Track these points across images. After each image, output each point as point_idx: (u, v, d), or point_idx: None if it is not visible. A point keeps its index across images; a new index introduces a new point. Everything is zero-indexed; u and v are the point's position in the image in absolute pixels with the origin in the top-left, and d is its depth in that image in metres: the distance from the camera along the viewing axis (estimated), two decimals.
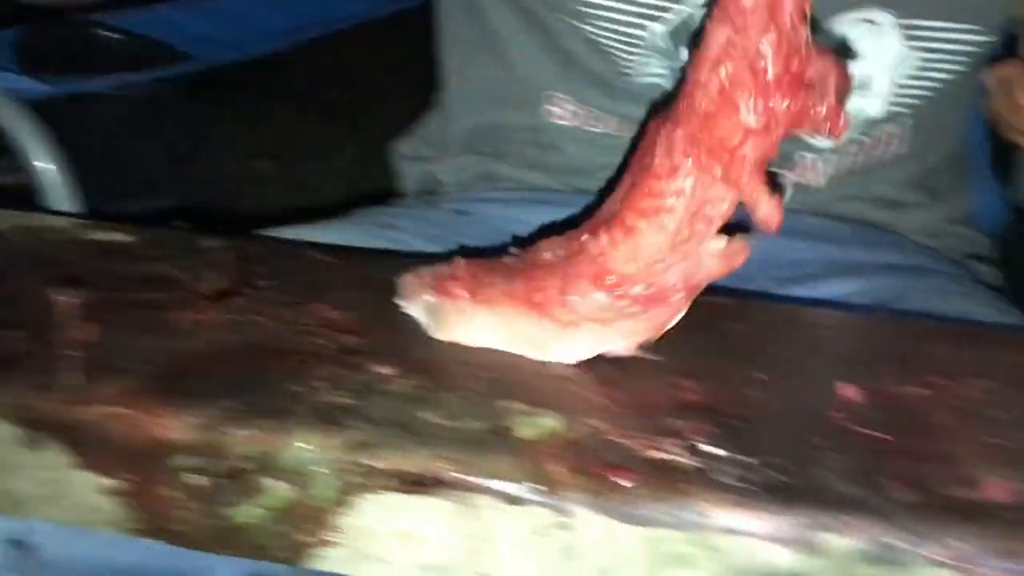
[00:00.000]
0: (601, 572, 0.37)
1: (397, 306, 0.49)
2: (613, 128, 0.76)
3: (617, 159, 0.75)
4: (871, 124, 0.74)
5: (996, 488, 0.36)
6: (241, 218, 0.76)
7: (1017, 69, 0.67)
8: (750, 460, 0.37)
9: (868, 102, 0.75)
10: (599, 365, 0.44)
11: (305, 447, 0.38)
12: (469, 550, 0.38)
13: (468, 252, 0.49)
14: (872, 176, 0.77)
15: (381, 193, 0.91)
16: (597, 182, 0.77)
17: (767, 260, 0.74)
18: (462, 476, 0.37)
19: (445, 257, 0.50)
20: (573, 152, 0.77)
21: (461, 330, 0.46)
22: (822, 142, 0.72)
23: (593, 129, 0.77)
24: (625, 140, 0.74)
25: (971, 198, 0.89)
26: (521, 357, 0.45)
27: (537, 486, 0.37)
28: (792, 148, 0.71)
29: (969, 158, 0.91)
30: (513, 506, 0.37)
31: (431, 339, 0.46)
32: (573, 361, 0.44)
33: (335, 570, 0.40)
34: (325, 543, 0.39)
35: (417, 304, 0.48)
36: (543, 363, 0.44)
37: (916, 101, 0.76)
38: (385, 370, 0.43)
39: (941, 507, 0.35)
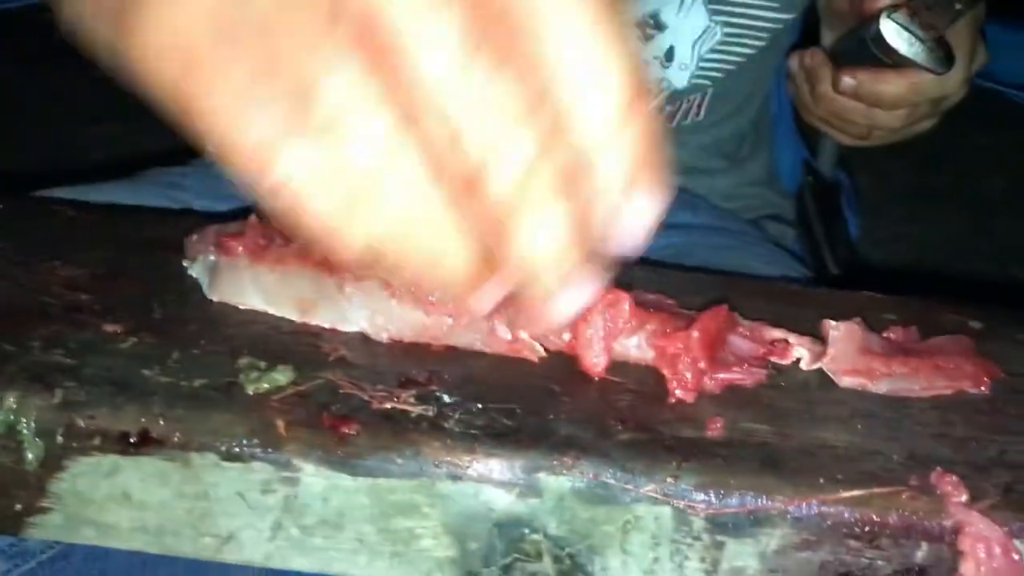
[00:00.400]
0: (328, 525, 0.36)
1: (149, 264, 0.47)
2: None
3: None
4: (675, 95, 0.76)
5: (717, 428, 0.37)
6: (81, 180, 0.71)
7: (819, 59, 0.69)
8: (480, 407, 0.37)
9: (674, 74, 0.77)
10: None
11: (11, 408, 0.36)
12: (192, 511, 0.36)
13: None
14: (671, 142, 0.78)
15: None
16: None
17: None
18: (179, 435, 0.35)
19: (227, 217, 0.48)
20: None
21: (230, 289, 0.44)
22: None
23: None
24: None
25: (770, 162, 0.92)
26: (277, 318, 0.43)
27: (258, 442, 0.35)
28: None
29: (769, 124, 0.94)
30: (234, 463, 0.35)
31: (178, 298, 0.44)
32: (345, 329, 0.43)
33: (53, 537, 0.38)
34: (40, 510, 0.37)
35: (197, 263, 0.46)
36: (294, 322, 0.43)
37: (718, 73, 0.78)
38: (112, 328, 0.41)
39: (662, 446, 0.36)
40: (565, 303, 0.31)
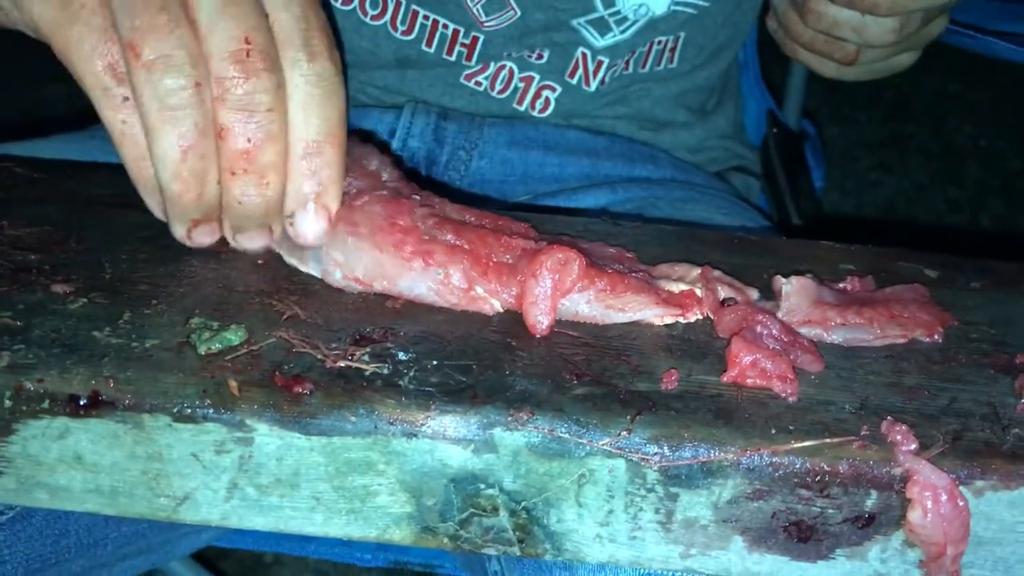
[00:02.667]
0: (284, 485, 0.36)
1: (100, 222, 0.46)
2: (388, 19, 0.73)
3: (390, 54, 0.72)
4: (651, 27, 0.73)
5: (672, 381, 0.37)
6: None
7: None
8: (435, 364, 0.37)
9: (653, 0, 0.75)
10: (303, 279, 0.43)
11: None
12: (146, 473, 0.36)
13: None
14: (640, 93, 0.77)
15: None
16: (370, 82, 0.74)
17: (526, 175, 0.74)
18: (130, 396, 0.35)
19: None
20: (352, 41, 0.73)
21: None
22: (599, 40, 0.72)
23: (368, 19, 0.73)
24: (397, 35, 0.71)
25: (737, 115, 0.92)
26: (231, 277, 0.43)
27: (211, 402, 0.35)
28: (570, 43, 0.71)
29: (737, 76, 0.93)
30: (186, 424, 0.35)
31: (130, 257, 0.44)
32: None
33: (6, 501, 0.38)
34: None
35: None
36: (247, 281, 0.43)
37: (692, 11, 0.76)
38: (62, 288, 0.40)
39: (617, 400, 0.36)
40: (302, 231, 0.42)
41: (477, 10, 0.69)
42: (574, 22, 0.70)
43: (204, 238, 0.42)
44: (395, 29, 0.72)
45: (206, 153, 0.40)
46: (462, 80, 0.73)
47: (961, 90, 2.22)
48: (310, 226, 0.41)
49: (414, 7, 0.70)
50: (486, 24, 0.70)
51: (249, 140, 0.40)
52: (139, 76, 0.39)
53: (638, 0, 0.71)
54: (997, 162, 2.11)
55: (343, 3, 0.72)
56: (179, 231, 0.42)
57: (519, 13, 0.69)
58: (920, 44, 0.66)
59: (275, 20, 0.41)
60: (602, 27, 0.71)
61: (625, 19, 0.71)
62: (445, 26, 0.71)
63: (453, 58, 0.72)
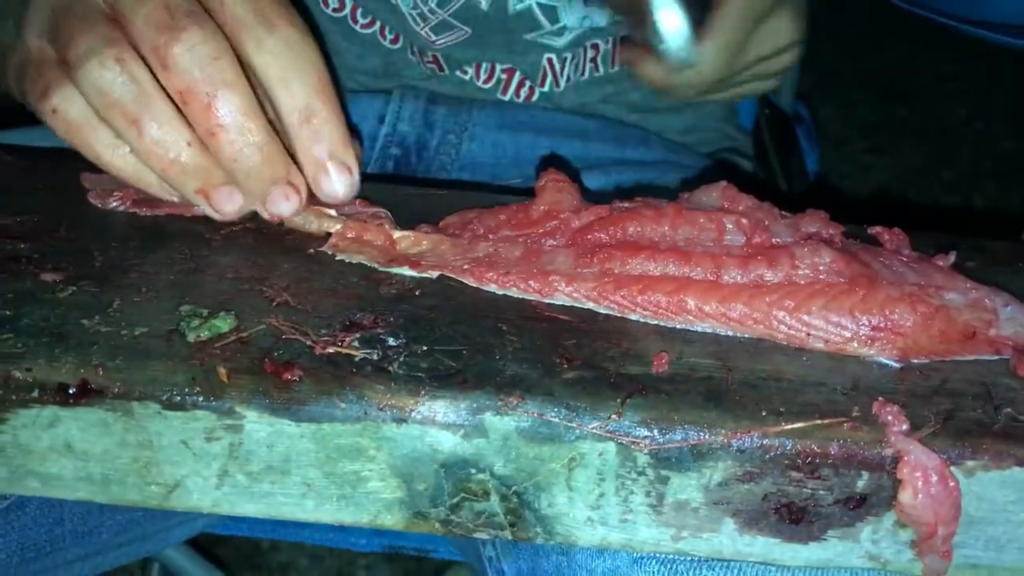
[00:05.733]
0: (274, 471, 0.36)
1: (89, 211, 0.46)
2: (377, 28, 0.73)
3: (378, 62, 0.72)
4: (596, 32, 0.73)
5: (663, 364, 0.37)
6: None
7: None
8: (424, 349, 0.37)
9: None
10: (293, 266, 0.43)
11: None
12: (136, 460, 0.36)
13: None
14: (620, 85, 0.77)
15: None
16: (353, 80, 0.74)
17: (517, 157, 0.74)
18: (119, 385, 0.35)
19: None
20: (340, 46, 0.73)
21: None
22: (556, 41, 0.71)
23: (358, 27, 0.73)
24: (386, 43, 0.72)
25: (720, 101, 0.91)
26: (220, 267, 0.43)
27: (200, 390, 0.35)
28: (531, 50, 0.70)
29: None
30: (176, 412, 0.35)
31: (120, 245, 0.43)
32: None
33: None
34: None
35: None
36: (236, 269, 0.43)
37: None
38: (51, 277, 0.40)
39: (607, 383, 0.36)
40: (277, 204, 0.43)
41: (426, 32, 0.69)
42: (527, 37, 0.70)
43: (226, 206, 0.43)
44: (384, 38, 0.72)
45: (162, 121, 0.41)
46: (447, 74, 0.73)
47: (956, 72, 2.22)
48: (336, 186, 0.42)
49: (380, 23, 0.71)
50: (437, 42, 0.70)
51: (208, 94, 0.40)
52: (77, 77, 0.41)
53: (580, 14, 0.70)
54: (991, 144, 2.11)
55: (334, 10, 0.71)
56: (200, 204, 0.43)
57: (468, 32, 0.69)
58: (768, 75, 0.65)
59: (221, 9, 0.41)
60: (555, 35, 0.71)
61: (572, 29, 0.71)
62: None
63: (435, 65, 0.72)
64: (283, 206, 0.43)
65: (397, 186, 0.54)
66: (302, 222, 0.45)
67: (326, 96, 0.42)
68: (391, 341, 0.38)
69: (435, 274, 0.42)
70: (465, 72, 0.72)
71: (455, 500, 0.36)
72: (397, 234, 0.44)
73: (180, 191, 0.44)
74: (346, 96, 0.73)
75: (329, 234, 0.44)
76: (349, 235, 0.44)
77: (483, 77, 0.73)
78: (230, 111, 0.41)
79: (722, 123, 0.89)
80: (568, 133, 0.74)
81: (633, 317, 0.41)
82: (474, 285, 0.42)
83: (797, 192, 0.86)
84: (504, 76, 0.73)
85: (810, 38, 0.67)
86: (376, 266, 0.43)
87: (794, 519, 0.36)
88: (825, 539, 0.36)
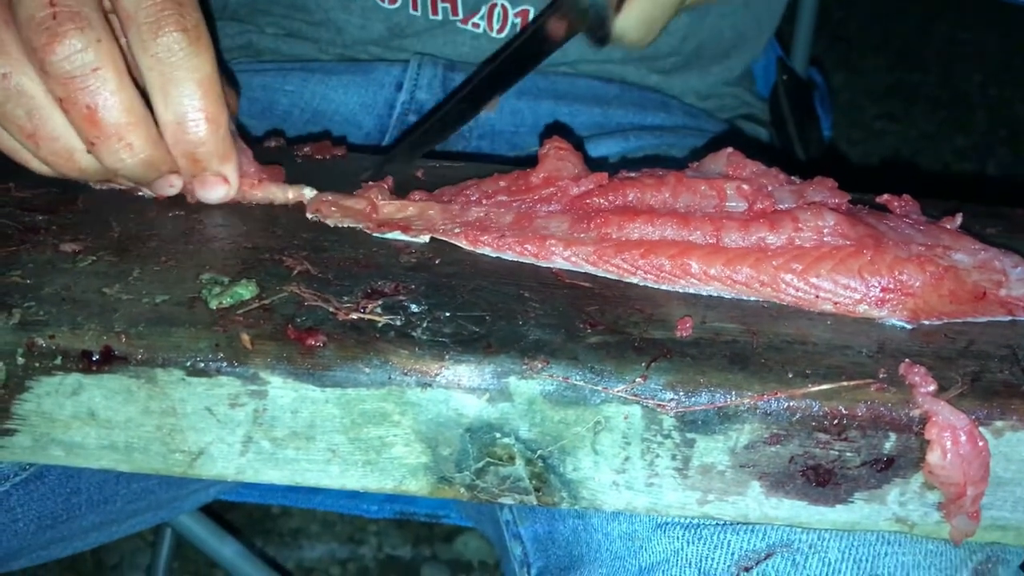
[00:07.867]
0: (299, 437, 0.36)
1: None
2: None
3: (381, 28, 0.72)
4: None
5: (687, 328, 0.37)
6: None
7: None
8: (447, 315, 0.37)
9: None
10: (312, 236, 0.43)
11: None
12: (160, 428, 0.36)
13: None
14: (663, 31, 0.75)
15: None
16: (365, 52, 0.74)
17: (536, 125, 0.73)
18: (142, 351, 0.35)
19: None
20: (341, 20, 0.72)
21: None
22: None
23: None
24: (385, 5, 0.70)
25: (745, 63, 0.90)
26: (238, 234, 0.43)
27: (223, 356, 0.35)
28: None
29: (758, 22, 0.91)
30: (200, 378, 0.35)
31: (137, 216, 0.43)
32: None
33: (22, 459, 0.38)
34: (6, 432, 0.36)
35: None
36: (255, 237, 0.42)
37: None
38: (71, 247, 0.40)
39: (632, 347, 0.36)
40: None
41: None
42: None
43: (163, 190, 0.44)
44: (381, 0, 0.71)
45: (55, 135, 0.41)
46: (459, 26, 0.71)
47: (971, 37, 2.19)
48: (210, 196, 0.44)
49: None
50: None
51: (88, 107, 0.40)
52: None
53: None
54: (1006, 109, 2.09)
55: None
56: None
57: None
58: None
59: (118, 4, 0.40)
60: None
61: None
62: None
63: (440, 17, 0.71)
64: (168, 191, 0.44)
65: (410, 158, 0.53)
66: (264, 195, 0.45)
67: (205, 105, 0.41)
68: (413, 308, 0.37)
69: (426, 237, 0.42)
70: (478, 26, 0.71)
71: (480, 465, 0.36)
72: (381, 199, 0.44)
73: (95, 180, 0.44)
74: (361, 64, 0.73)
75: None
76: (327, 199, 0.45)
77: (496, 26, 0.71)
78: (109, 124, 0.40)
79: (740, 88, 0.88)
80: (587, 99, 0.73)
81: (634, 281, 0.40)
82: (468, 248, 0.41)
83: (812, 158, 0.85)
84: (518, 20, 0.71)
85: (822, 3, 0.66)
86: (367, 230, 0.43)
87: (821, 481, 0.36)
88: (852, 501, 0.36)
